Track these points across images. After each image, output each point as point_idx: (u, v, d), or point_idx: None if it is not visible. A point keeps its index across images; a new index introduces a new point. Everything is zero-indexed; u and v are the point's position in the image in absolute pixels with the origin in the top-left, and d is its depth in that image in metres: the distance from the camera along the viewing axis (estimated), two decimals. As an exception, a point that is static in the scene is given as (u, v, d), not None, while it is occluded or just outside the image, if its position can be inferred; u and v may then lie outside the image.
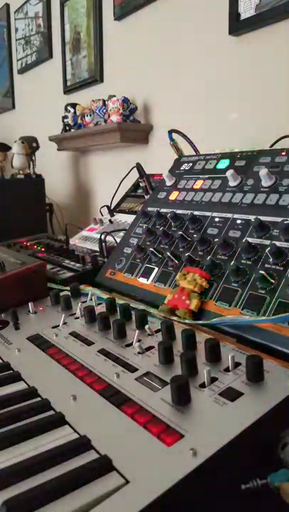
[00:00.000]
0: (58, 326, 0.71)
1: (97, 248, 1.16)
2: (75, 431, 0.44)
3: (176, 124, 1.19)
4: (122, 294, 0.83)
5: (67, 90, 2.38)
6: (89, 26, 2.13)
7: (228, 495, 0.39)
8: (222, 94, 1.45)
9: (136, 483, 0.36)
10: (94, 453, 0.40)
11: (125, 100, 1.74)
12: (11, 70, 3.15)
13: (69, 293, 0.82)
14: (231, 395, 0.45)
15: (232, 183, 0.82)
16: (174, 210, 0.87)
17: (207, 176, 0.89)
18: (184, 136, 1.15)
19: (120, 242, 0.98)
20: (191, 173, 0.94)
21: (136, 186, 1.52)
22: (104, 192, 2.03)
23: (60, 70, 2.42)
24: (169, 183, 0.97)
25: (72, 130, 2.08)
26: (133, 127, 1.77)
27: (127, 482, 0.36)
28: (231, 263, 0.68)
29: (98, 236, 1.18)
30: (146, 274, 0.82)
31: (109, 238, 1.13)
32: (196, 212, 0.83)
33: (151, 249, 0.82)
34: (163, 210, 0.91)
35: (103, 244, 1.08)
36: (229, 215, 0.78)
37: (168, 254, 0.78)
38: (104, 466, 0.38)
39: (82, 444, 0.41)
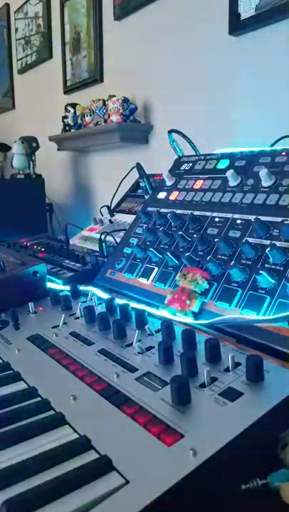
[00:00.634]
0: (58, 326, 0.71)
1: (97, 248, 1.16)
2: (75, 431, 0.44)
3: (176, 124, 1.19)
4: (122, 294, 0.83)
5: (67, 90, 2.38)
6: (89, 26, 2.13)
7: (228, 495, 0.39)
8: (222, 94, 1.45)
9: (136, 483, 0.36)
10: (94, 453, 0.40)
11: (125, 100, 1.74)
12: (11, 70, 3.15)
13: (69, 293, 0.82)
14: (231, 395, 0.45)
15: (232, 183, 0.82)
16: (174, 210, 0.87)
17: (207, 176, 0.89)
18: (184, 136, 1.15)
19: (120, 242, 0.98)
20: (191, 173, 0.94)
21: (136, 186, 1.52)
22: (104, 192, 2.03)
23: (60, 70, 2.42)
24: (169, 183, 0.97)
25: (72, 130, 2.08)
26: (133, 127, 1.77)
27: (127, 482, 0.36)
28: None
29: (98, 236, 1.18)
30: (146, 274, 0.82)
31: (109, 238, 1.13)
32: (196, 212, 0.83)
33: (151, 249, 0.82)
34: (163, 210, 0.91)
35: (103, 244, 1.08)
36: (229, 215, 0.78)
37: (168, 254, 0.78)
38: (104, 466, 0.38)
39: (82, 444, 0.41)
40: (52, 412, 0.48)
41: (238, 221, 0.75)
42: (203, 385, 0.48)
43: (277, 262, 0.63)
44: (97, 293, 0.82)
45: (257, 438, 0.41)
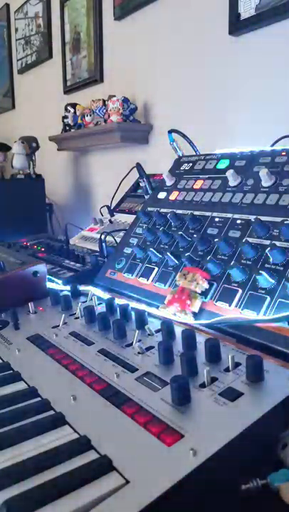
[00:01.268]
0: (58, 326, 0.71)
1: (97, 248, 1.16)
2: (75, 431, 0.44)
3: (176, 124, 1.19)
4: (122, 294, 0.83)
5: (67, 90, 2.38)
6: (89, 26, 2.13)
7: (228, 495, 0.39)
8: (222, 94, 1.45)
9: (136, 483, 0.36)
10: (94, 453, 0.40)
11: (125, 100, 1.74)
12: (11, 70, 3.15)
13: (69, 293, 0.82)
14: (231, 395, 0.45)
15: (232, 183, 0.82)
16: (174, 210, 0.87)
17: (207, 176, 0.89)
18: (184, 136, 1.15)
19: (120, 242, 0.98)
20: (191, 173, 0.94)
21: (136, 186, 1.52)
22: (104, 192, 2.03)
23: (60, 70, 2.42)
24: (169, 183, 0.97)
25: (72, 130, 2.07)
26: (133, 127, 1.77)
27: (127, 482, 0.36)
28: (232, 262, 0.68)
29: (98, 236, 1.18)
30: (146, 274, 0.82)
31: (109, 238, 1.13)
32: (196, 212, 0.83)
33: (151, 249, 0.82)
34: (163, 210, 0.91)
35: (103, 244, 1.08)
36: (229, 215, 0.78)
37: (168, 254, 0.78)
38: (104, 466, 0.38)
39: (82, 444, 0.41)
40: (52, 412, 0.48)
41: (238, 221, 0.75)
42: (203, 385, 0.48)
43: (277, 262, 0.63)
44: (97, 293, 0.82)
45: (257, 438, 0.41)
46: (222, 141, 1.35)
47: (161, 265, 0.81)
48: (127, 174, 1.47)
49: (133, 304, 0.73)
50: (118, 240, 1.06)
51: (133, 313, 0.69)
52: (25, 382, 0.56)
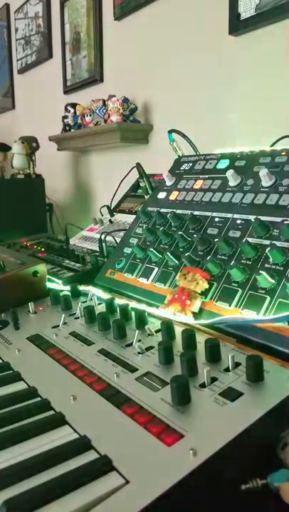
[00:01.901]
0: (58, 326, 0.71)
1: (97, 248, 1.16)
2: (75, 431, 0.44)
3: (176, 124, 1.19)
4: (122, 294, 0.83)
5: (67, 90, 2.38)
6: (89, 26, 2.13)
7: (228, 495, 0.39)
8: (222, 94, 1.45)
9: (136, 483, 0.36)
10: (94, 453, 0.40)
11: (125, 100, 1.74)
12: (11, 70, 3.15)
13: (69, 293, 0.82)
14: (231, 395, 0.45)
15: (232, 183, 0.82)
16: (174, 210, 0.87)
17: (207, 176, 0.89)
18: (184, 136, 1.14)
19: (120, 242, 0.98)
20: (191, 173, 0.94)
21: (136, 186, 1.52)
22: (104, 192, 2.03)
23: (60, 70, 2.42)
24: (169, 183, 0.97)
25: (72, 130, 2.07)
26: (133, 127, 1.77)
27: (127, 482, 0.36)
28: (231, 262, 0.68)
29: (98, 236, 1.18)
30: (146, 274, 0.82)
31: (109, 238, 1.13)
32: (196, 212, 0.83)
33: (151, 249, 0.82)
34: (163, 210, 0.91)
35: (103, 244, 1.08)
36: (229, 215, 0.78)
37: (168, 254, 0.78)
38: (104, 466, 0.38)
39: (82, 444, 0.41)
40: (52, 412, 0.48)
41: (238, 221, 0.75)
42: (203, 385, 0.48)
43: (277, 262, 0.63)
44: (97, 293, 0.82)
45: (257, 438, 0.41)
46: (222, 141, 1.35)
47: (161, 265, 0.81)
48: (127, 174, 1.47)
49: (133, 304, 0.73)
50: (118, 240, 1.06)
51: (133, 313, 0.69)
52: (25, 382, 0.56)
